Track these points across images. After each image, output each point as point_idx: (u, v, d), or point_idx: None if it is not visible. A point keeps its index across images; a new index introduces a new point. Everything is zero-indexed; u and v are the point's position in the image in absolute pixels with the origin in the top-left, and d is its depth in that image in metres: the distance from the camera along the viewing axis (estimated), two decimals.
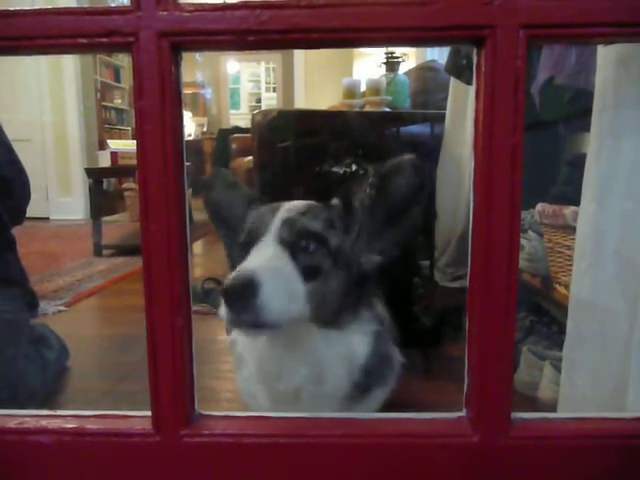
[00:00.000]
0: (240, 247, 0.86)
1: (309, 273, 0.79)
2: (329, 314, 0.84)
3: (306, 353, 0.86)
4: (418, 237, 2.13)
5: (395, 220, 0.87)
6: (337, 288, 0.84)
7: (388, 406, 0.96)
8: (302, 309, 0.78)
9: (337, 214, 0.88)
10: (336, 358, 0.87)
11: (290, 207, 0.85)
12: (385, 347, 0.95)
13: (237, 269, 0.73)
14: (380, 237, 0.88)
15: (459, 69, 2.06)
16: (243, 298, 0.70)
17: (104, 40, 0.50)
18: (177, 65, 0.52)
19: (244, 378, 0.97)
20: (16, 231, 1.58)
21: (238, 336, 0.98)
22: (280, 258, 0.78)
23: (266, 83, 11.62)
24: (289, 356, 0.87)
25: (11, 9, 0.50)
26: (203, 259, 3.69)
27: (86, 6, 0.50)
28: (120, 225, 4.97)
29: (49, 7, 0.50)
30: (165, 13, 0.50)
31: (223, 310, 0.72)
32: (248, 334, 0.82)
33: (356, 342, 0.88)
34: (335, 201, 0.90)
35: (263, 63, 11.26)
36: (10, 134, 1.58)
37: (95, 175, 3.99)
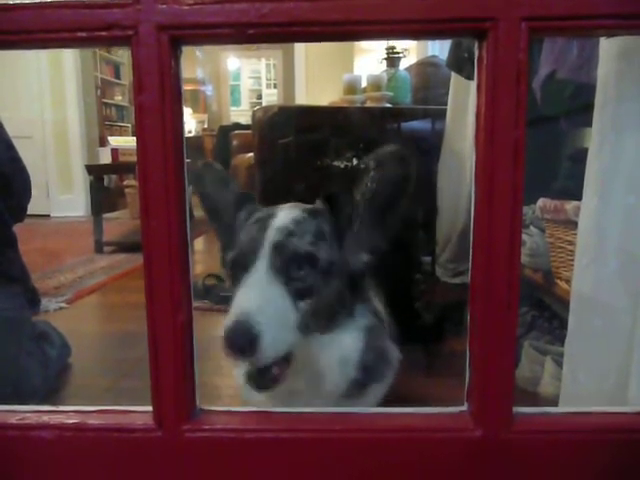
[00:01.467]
0: (230, 265, 0.85)
1: (301, 295, 0.79)
2: (323, 324, 0.84)
3: (302, 359, 0.85)
4: (419, 233, 2.12)
5: (382, 215, 0.85)
6: (329, 300, 0.83)
7: (390, 401, 0.96)
8: (295, 335, 0.78)
9: (325, 221, 0.86)
10: (331, 359, 0.86)
11: (279, 225, 0.83)
12: (381, 341, 0.94)
13: (234, 310, 0.73)
14: (368, 234, 0.86)
15: (460, 64, 2.05)
16: (243, 347, 0.71)
17: (103, 34, 0.50)
18: (177, 59, 0.52)
19: (238, 372, 0.97)
20: (17, 228, 1.58)
21: None
22: (274, 291, 0.78)
23: (267, 79, 11.61)
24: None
25: (10, 2, 0.50)
26: (204, 255, 3.69)
27: (86, 0, 0.50)
28: (121, 222, 4.97)
29: (48, 0, 0.50)
30: (164, 6, 0.49)
31: (224, 348, 0.72)
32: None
33: (349, 339, 0.88)
34: (319, 204, 0.89)
35: (264, 59, 11.24)
36: (10, 131, 1.58)
37: (96, 172, 3.99)
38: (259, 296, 0.77)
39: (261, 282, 0.78)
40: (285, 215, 0.85)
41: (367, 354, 0.89)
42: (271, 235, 0.81)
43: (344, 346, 0.87)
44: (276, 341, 0.74)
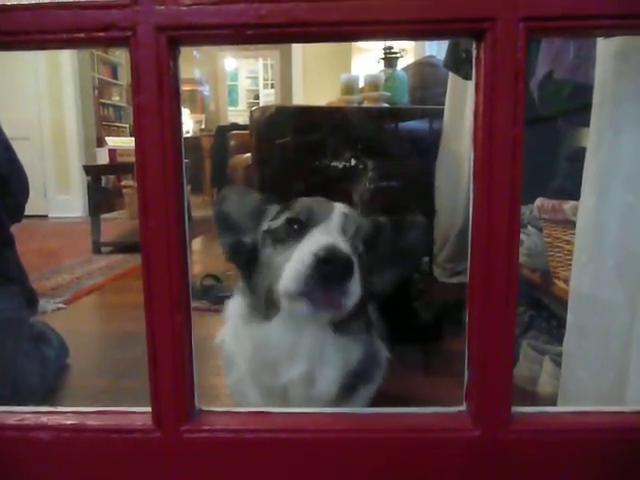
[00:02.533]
0: (286, 223, 0.84)
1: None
2: (346, 317, 0.83)
3: (305, 350, 0.85)
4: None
5: (395, 264, 0.91)
6: (359, 294, 0.82)
7: (388, 401, 0.96)
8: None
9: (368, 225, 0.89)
10: (330, 361, 0.86)
11: (340, 204, 0.86)
12: (374, 348, 0.94)
13: (320, 241, 0.72)
14: (380, 273, 0.89)
15: (458, 64, 2.05)
16: (338, 277, 0.69)
17: (101, 35, 0.50)
18: (175, 60, 0.52)
19: (234, 381, 0.97)
20: (15, 229, 1.58)
21: (227, 336, 0.98)
22: (347, 244, 0.78)
23: (264, 79, 11.60)
24: (288, 349, 0.85)
25: (8, 3, 0.50)
26: (202, 256, 3.69)
27: (83, 0, 0.49)
28: (119, 222, 4.96)
29: (46, 1, 0.50)
30: (162, 7, 0.49)
31: (298, 280, 0.70)
32: (314, 312, 0.75)
33: (351, 349, 0.88)
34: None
35: (261, 59, 11.23)
36: (8, 132, 1.57)
37: (93, 172, 3.99)
38: (342, 242, 0.77)
39: (335, 235, 0.79)
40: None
41: (363, 364, 0.90)
42: (339, 208, 0.84)
43: (345, 356, 0.87)
44: (358, 287, 0.73)
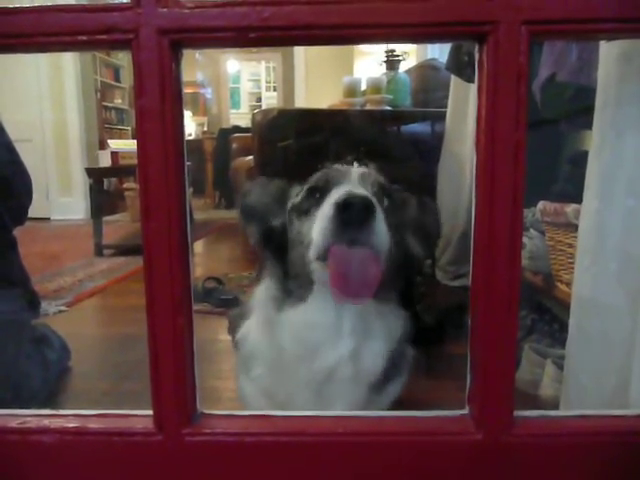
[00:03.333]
0: (308, 193, 0.86)
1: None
2: (384, 281, 0.82)
3: (353, 321, 0.84)
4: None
5: (414, 237, 0.93)
6: (390, 253, 0.81)
7: (392, 403, 0.96)
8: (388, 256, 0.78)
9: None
10: (377, 333, 0.86)
11: (358, 167, 0.89)
12: (407, 336, 0.94)
13: (340, 192, 0.73)
14: (406, 239, 0.92)
15: (460, 67, 2.05)
16: (360, 217, 0.69)
17: (104, 37, 0.50)
18: (177, 62, 0.52)
19: (254, 377, 0.95)
20: (17, 231, 1.58)
21: (253, 328, 0.96)
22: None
23: (266, 82, 11.62)
24: (337, 324, 0.84)
25: (10, 6, 0.50)
26: (204, 258, 3.70)
27: (85, 3, 0.49)
28: (121, 225, 4.97)
29: (48, 4, 0.50)
30: (165, 10, 0.49)
31: (324, 234, 0.71)
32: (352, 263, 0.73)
33: (393, 322, 0.89)
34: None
35: (263, 62, 11.25)
36: (11, 134, 1.58)
37: (96, 175, 4.00)
38: (362, 190, 0.78)
39: (357, 189, 0.79)
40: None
41: (401, 345, 0.90)
42: (357, 170, 0.86)
43: (389, 328, 0.88)
44: (384, 228, 0.73)
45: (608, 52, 0.88)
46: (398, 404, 0.96)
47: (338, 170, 0.87)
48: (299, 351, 0.86)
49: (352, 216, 0.69)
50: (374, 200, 0.72)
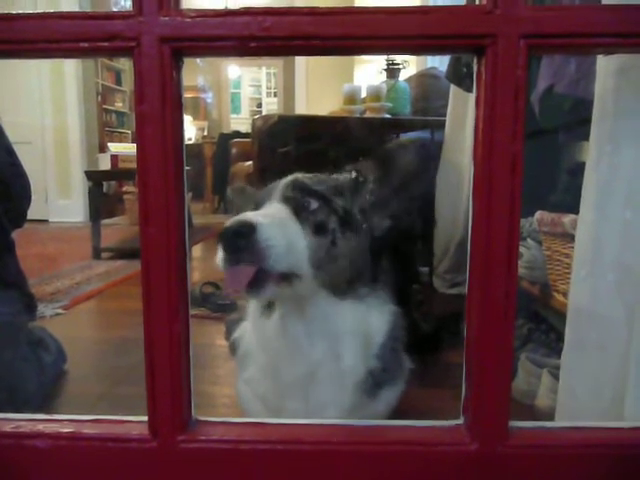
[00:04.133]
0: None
1: (313, 229, 0.82)
2: (342, 280, 0.85)
3: (322, 324, 0.85)
4: (417, 244, 2.13)
5: (401, 193, 0.91)
6: (347, 251, 0.85)
7: (389, 412, 0.95)
8: (305, 264, 0.79)
9: (347, 183, 0.92)
10: (354, 330, 0.86)
11: (298, 175, 0.90)
12: (400, 334, 0.94)
13: (230, 221, 0.76)
14: (388, 207, 0.91)
15: (459, 76, 2.07)
16: (240, 236, 0.73)
17: (106, 44, 0.50)
18: (178, 70, 0.52)
19: (247, 379, 0.96)
20: (15, 233, 1.58)
21: (244, 333, 0.98)
22: (281, 212, 0.82)
23: (267, 88, 11.65)
24: (305, 330, 0.86)
25: (14, 12, 0.50)
26: (201, 263, 3.69)
27: (88, 11, 0.50)
28: (119, 228, 4.97)
29: (51, 11, 0.50)
30: (167, 18, 0.50)
31: (219, 255, 0.75)
32: (249, 291, 0.77)
33: (374, 317, 0.88)
34: (349, 174, 0.94)
35: (264, 68, 11.29)
36: (11, 136, 1.58)
37: (95, 178, 4.00)
38: (262, 211, 0.82)
39: (270, 208, 0.83)
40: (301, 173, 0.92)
41: (389, 343, 0.89)
42: (288, 178, 0.89)
43: (369, 324, 0.88)
44: (276, 242, 0.75)
45: (605, 65, 0.89)
46: (393, 412, 0.96)
47: (270, 187, 0.90)
48: (276, 358, 0.89)
49: (230, 242, 0.74)
50: (255, 220, 0.75)
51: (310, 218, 0.83)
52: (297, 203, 0.84)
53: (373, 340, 0.88)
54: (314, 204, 0.84)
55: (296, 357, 0.86)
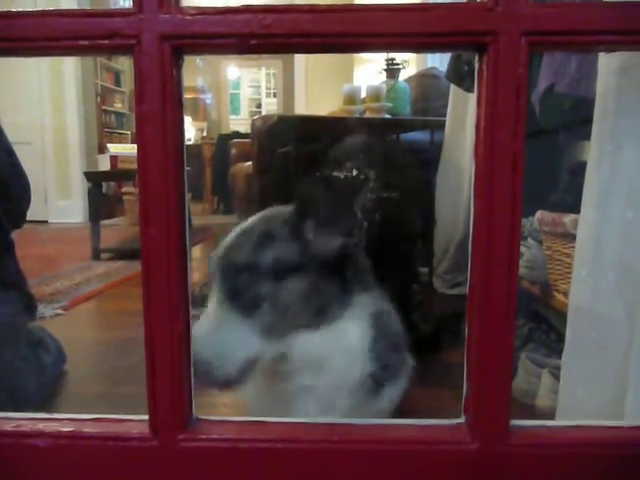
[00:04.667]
0: None
1: (253, 304, 0.80)
2: (305, 320, 0.83)
3: (302, 356, 0.84)
4: (416, 244, 2.13)
5: (344, 208, 0.84)
6: (297, 295, 0.82)
7: (394, 410, 0.95)
8: (258, 343, 0.80)
9: (281, 220, 0.86)
10: (336, 351, 0.85)
11: (224, 243, 0.87)
12: (394, 331, 0.94)
13: None
14: (335, 224, 0.84)
15: (459, 77, 2.06)
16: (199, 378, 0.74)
17: (105, 42, 0.50)
18: (178, 68, 0.52)
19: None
20: (14, 234, 1.58)
21: None
22: (215, 312, 0.83)
23: (266, 88, 11.66)
24: (289, 371, 0.86)
25: (13, 10, 0.50)
26: (202, 263, 3.68)
27: (88, 8, 0.50)
28: (119, 229, 4.97)
29: (51, 8, 0.50)
30: (167, 16, 0.49)
31: None
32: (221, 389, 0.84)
33: (353, 328, 0.86)
34: (290, 207, 0.89)
35: (264, 68, 11.29)
36: (10, 137, 1.58)
37: (94, 179, 4.00)
38: (205, 316, 0.84)
39: (211, 306, 0.85)
40: (239, 228, 0.89)
41: (381, 343, 0.88)
42: (215, 257, 0.87)
43: (347, 335, 0.85)
44: (211, 360, 0.77)
45: (606, 64, 0.89)
46: (395, 412, 0.96)
47: (212, 274, 0.89)
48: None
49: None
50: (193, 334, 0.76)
51: (245, 295, 0.81)
52: (229, 286, 0.83)
53: (358, 348, 0.86)
54: (241, 280, 0.82)
55: (289, 379, 0.86)
